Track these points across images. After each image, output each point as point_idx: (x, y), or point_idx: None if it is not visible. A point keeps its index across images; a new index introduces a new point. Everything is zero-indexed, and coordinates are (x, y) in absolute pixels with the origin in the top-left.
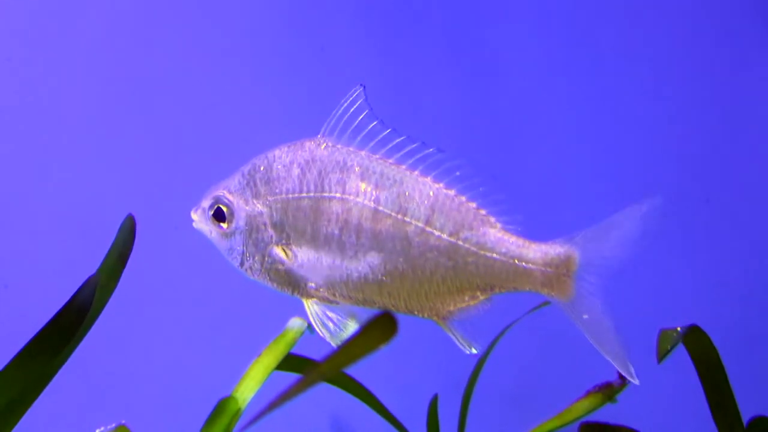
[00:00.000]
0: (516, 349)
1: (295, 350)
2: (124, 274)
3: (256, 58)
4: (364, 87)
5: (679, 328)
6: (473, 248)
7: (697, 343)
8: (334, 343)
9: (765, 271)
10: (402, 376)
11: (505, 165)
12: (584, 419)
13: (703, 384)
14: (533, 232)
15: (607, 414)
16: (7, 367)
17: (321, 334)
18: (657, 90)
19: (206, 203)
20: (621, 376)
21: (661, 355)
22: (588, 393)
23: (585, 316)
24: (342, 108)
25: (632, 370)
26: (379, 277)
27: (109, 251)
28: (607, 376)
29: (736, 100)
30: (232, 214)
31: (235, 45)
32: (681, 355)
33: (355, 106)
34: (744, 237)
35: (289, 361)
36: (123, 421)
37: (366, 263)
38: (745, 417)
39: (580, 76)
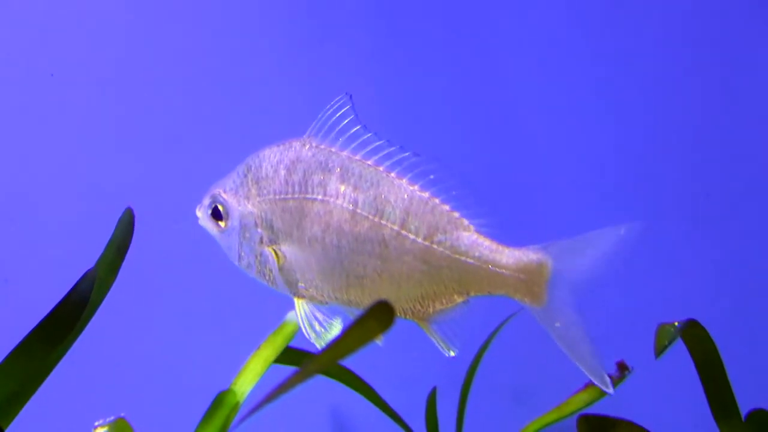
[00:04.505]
0: (515, 341)
1: (294, 343)
2: (122, 268)
3: (256, 50)
4: (351, 96)
5: (677, 323)
6: (447, 252)
7: (696, 337)
8: (318, 345)
9: (764, 267)
10: (401, 369)
11: (503, 162)
12: (583, 412)
13: (701, 378)
14: (536, 233)
15: (605, 406)
16: (6, 360)
17: (307, 335)
18: (655, 85)
19: (206, 201)
20: (619, 369)
21: (659, 351)
22: (586, 386)
23: (557, 324)
24: (328, 112)
25: (606, 379)
26: (360, 279)
27: (108, 244)
28: (605, 369)
29: (736, 95)
30: (227, 213)
31: (235, 37)
32: (679, 348)
33: (341, 112)
34: (744, 233)
35: (288, 354)
36: (122, 414)
37: (347, 265)
38: (743, 410)
39: (575, 72)
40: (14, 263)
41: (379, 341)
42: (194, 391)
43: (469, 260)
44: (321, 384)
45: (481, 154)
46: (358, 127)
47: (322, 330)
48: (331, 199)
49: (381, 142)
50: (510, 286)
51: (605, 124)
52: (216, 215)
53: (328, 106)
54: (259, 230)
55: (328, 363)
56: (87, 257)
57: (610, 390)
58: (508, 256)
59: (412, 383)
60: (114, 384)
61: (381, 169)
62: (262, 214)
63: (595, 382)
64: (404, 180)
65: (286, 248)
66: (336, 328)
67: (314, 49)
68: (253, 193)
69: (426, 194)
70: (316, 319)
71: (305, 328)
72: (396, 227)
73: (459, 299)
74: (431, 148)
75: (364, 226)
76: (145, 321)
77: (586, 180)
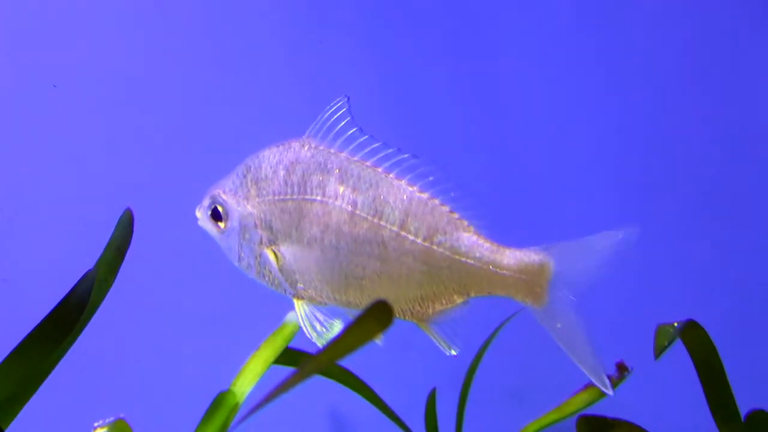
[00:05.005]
0: (514, 342)
1: (294, 344)
2: (122, 268)
3: (255, 51)
4: (349, 98)
5: (676, 324)
6: (447, 253)
7: (695, 338)
8: (320, 344)
9: (764, 267)
10: (400, 369)
11: (503, 163)
12: (583, 412)
13: (700, 378)
14: (536, 234)
15: (605, 407)
16: (5, 361)
17: (308, 335)
18: (655, 85)
19: (206, 202)
20: (619, 369)
21: (659, 351)
22: (587, 386)
23: (558, 325)
24: (326, 113)
25: (606, 380)
26: (359, 280)
27: (108, 245)
28: (605, 370)
29: (736, 94)
30: (227, 213)
31: (234, 38)
32: (679, 348)
33: (339, 114)
34: (743, 232)
35: (288, 355)
36: (121, 415)
37: (346, 267)
38: (743, 410)
39: (575, 72)
40: (13, 263)
41: (379, 341)
42: (194, 391)
43: (469, 261)
44: (320, 384)
45: (481, 155)
46: (355, 129)
47: (324, 330)
48: (330, 200)
49: (379, 143)
50: (511, 287)
51: (605, 124)
52: (216, 216)
53: (326, 108)
54: (259, 231)
55: (327, 363)
56: (86, 257)
57: (609, 391)
58: (509, 257)
59: (412, 384)
60: (113, 385)
61: (380, 170)
62: (262, 215)
63: (595, 383)
64: (403, 181)
65: (286, 249)
66: (337, 328)
67: (314, 50)
68: (253, 193)
69: (425, 195)
70: (317, 319)
71: (306, 327)
72: (395, 228)
73: (459, 300)
74: (431, 149)
75: (363, 227)
76: (145, 322)
77: (585, 180)
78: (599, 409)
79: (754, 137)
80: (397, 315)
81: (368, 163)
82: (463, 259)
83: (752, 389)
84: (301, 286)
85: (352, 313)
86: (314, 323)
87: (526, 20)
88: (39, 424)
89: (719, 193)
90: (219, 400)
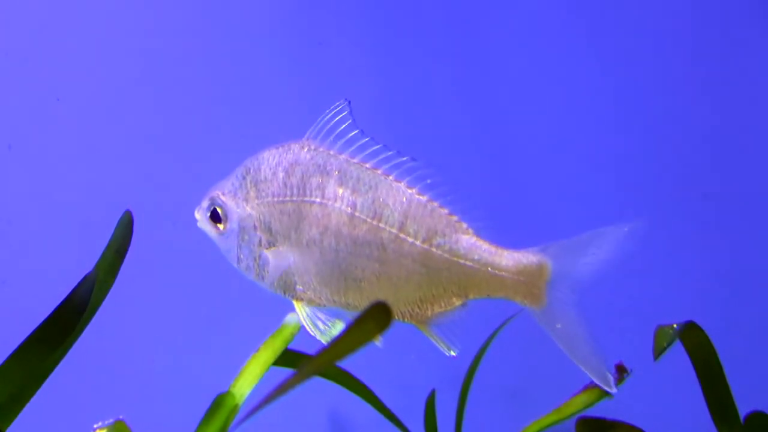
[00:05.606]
0: (514, 343)
1: (293, 345)
2: (121, 270)
3: (255, 53)
4: (350, 102)
5: (675, 325)
6: (446, 255)
7: (695, 339)
8: (324, 341)
9: (762, 268)
10: (399, 371)
11: (502, 165)
12: (582, 414)
13: (700, 380)
14: (535, 235)
15: (604, 409)
16: (5, 363)
17: (311, 333)
18: (654, 85)
19: (205, 204)
20: (618, 371)
21: (658, 353)
22: (586, 387)
23: (558, 326)
24: (326, 116)
25: (608, 378)
26: (358, 282)
27: (107, 247)
28: (607, 369)
29: (734, 95)
30: (226, 215)
31: (234, 40)
32: (678, 350)
33: (339, 116)
34: (741, 233)
35: (287, 357)
36: (121, 417)
37: (345, 268)
38: (743, 413)
39: (573, 73)
40: (13, 265)
41: (378, 342)
42: (193, 393)
43: (468, 263)
44: (319, 386)
45: (480, 157)
46: (356, 131)
47: (326, 327)
48: (329, 202)
49: (378, 146)
50: (510, 289)
51: (603, 125)
52: (215, 218)
53: (327, 111)
54: (258, 233)
55: (326, 364)
56: (86, 259)
57: (613, 390)
58: (508, 259)
59: (411, 385)
60: (113, 386)
61: (379, 172)
62: (261, 216)
63: (597, 383)
64: (403, 183)
65: (285, 251)
66: (339, 326)
67: (314, 51)
68: (252, 195)
69: (425, 197)
70: (319, 318)
71: (308, 325)
72: (394, 230)
73: (458, 302)
74: (431, 152)
75: (362, 229)
76: (144, 323)
77: (584, 181)
78: (598, 411)
79: (755, 138)
80: (396, 317)
81: (368, 165)
82: (462, 261)
83: (752, 391)
84: (300, 288)
85: (352, 315)
86: (317, 322)
87: (526, 22)
88: (39, 425)
89: (719, 193)
90: (218, 402)
